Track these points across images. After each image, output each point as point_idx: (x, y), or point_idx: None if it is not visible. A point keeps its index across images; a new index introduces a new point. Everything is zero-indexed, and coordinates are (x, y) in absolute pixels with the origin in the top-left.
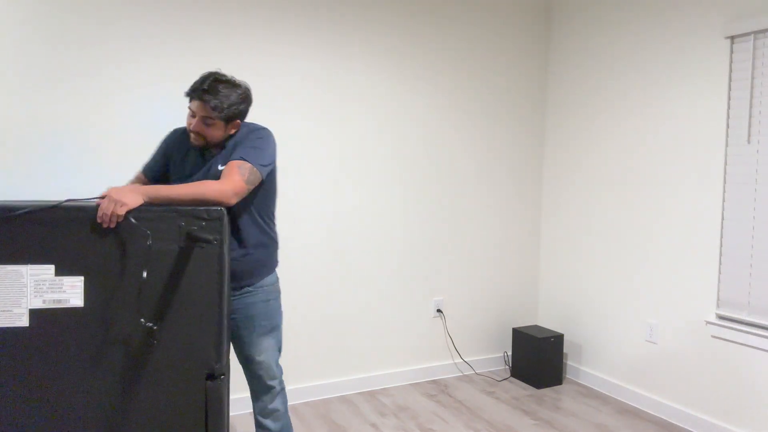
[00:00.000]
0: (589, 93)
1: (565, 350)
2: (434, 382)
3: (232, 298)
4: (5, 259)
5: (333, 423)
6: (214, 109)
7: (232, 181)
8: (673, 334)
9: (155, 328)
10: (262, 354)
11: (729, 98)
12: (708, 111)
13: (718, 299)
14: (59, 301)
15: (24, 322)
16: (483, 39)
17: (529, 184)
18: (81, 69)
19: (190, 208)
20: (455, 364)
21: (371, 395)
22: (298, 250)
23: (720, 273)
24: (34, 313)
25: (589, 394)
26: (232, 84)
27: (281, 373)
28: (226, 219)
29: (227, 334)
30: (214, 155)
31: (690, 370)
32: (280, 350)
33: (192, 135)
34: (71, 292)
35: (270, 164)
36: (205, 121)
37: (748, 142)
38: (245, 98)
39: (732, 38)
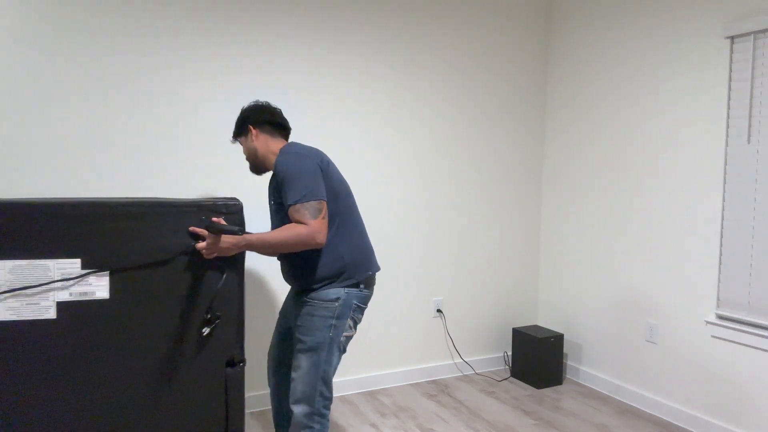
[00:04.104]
0: (589, 93)
1: (565, 350)
2: (434, 382)
3: (294, 304)
4: (33, 254)
5: (333, 423)
6: (234, 136)
7: (302, 227)
8: (673, 334)
9: (213, 317)
10: (294, 372)
11: (729, 98)
12: (708, 111)
13: (718, 299)
14: (86, 293)
15: (51, 314)
16: (483, 39)
17: (529, 184)
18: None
19: (209, 202)
20: (455, 364)
21: (371, 395)
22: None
23: (720, 273)
24: (62, 306)
25: (589, 394)
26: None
27: (313, 408)
28: (243, 213)
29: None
30: (270, 184)
31: (690, 370)
32: (323, 380)
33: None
34: (97, 285)
35: (313, 189)
36: (241, 144)
37: (748, 141)
38: (246, 109)
39: (732, 38)
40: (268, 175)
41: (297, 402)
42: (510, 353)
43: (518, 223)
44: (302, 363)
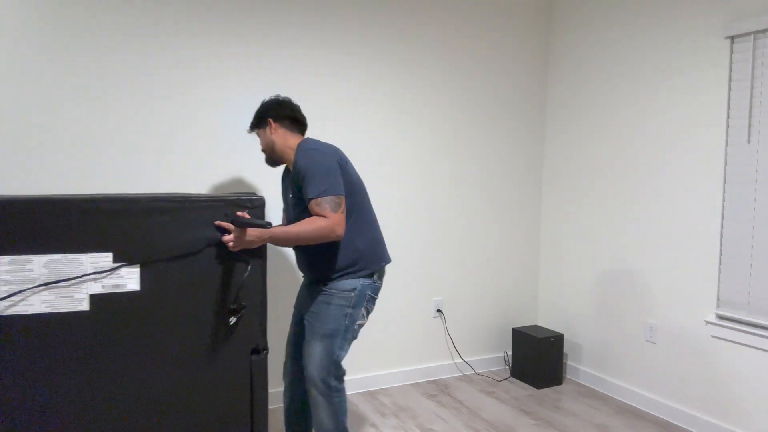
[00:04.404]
0: (589, 93)
1: (565, 350)
2: (434, 382)
3: (308, 293)
4: (67, 248)
5: None
6: (251, 127)
7: (322, 220)
8: (673, 334)
9: (239, 307)
10: (308, 357)
11: (729, 98)
12: (708, 111)
13: (718, 299)
14: (117, 286)
15: (85, 306)
16: (483, 39)
17: (529, 184)
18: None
19: (233, 197)
20: (455, 364)
21: (371, 395)
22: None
23: (720, 273)
24: (94, 298)
25: (589, 394)
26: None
27: (328, 386)
28: (265, 207)
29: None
30: (288, 179)
31: (690, 370)
32: (335, 363)
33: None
34: (128, 277)
35: (332, 184)
36: (258, 136)
37: (748, 142)
38: (266, 102)
39: (732, 38)
40: (273, 171)
41: (314, 385)
42: (510, 353)
43: (518, 223)
44: (316, 348)
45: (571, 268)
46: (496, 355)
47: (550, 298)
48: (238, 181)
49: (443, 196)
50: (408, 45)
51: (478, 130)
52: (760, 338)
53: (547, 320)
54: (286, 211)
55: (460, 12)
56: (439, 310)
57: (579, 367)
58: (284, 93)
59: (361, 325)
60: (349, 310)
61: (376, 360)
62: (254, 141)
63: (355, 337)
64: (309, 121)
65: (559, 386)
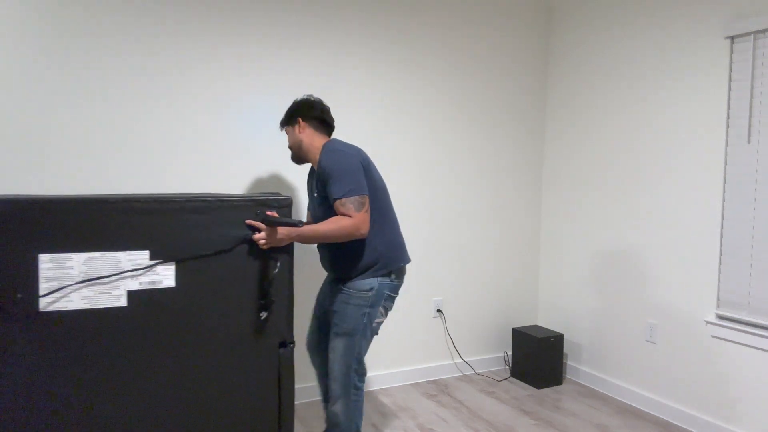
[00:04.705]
0: (589, 93)
1: (565, 350)
2: (434, 382)
3: (330, 291)
4: (105, 246)
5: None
6: (281, 124)
7: (347, 219)
8: (673, 334)
9: (268, 302)
10: (331, 352)
11: (729, 98)
12: (708, 111)
13: (718, 299)
14: (154, 282)
15: (122, 302)
16: (483, 39)
17: (529, 184)
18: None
19: (263, 198)
20: (455, 364)
21: (371, 395)
22: (297, 250)
23: (720, 273)
24: (132, 294)
25: (589, 394)
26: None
27: (349, 382)
28: (292, 207)
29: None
30: (313, 177)
31: (690, 370)
32: (356, 359)
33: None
34: (164, 274)
35: (357, 185)
36: (287, 133)
37: (748, 142)
38: (298, 102)
39: (732, 38)
40: (275, 172)
41: (335, 379)
42: (510, 353)
43: (518, 223)
44: (338, 345)
45: (571, 268)
46: (496, 355)
47: (550, 298)
48: (239, 182)
49: (443, 196)
50: (408, 45)
51: (478, 130)
52: (760, 338)
53: (547, 320)
54: (311, 209)
55: (461, 12)
56: (439, 310)
57: (579, 367)
58: (283, 93)
59: (380, 323)
60: (367, 309)
61: (377, 360)
62: (254, 141)
63: (375, 334)
64: None
65: (559, 386)
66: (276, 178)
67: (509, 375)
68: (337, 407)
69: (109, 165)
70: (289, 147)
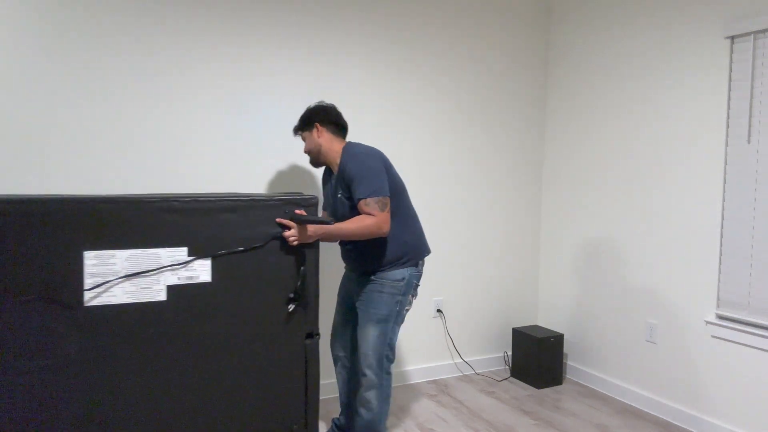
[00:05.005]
0: (589, 93)
1: (565, 350)
2: (434, 382)
3: (357, 284)
4: (146, 243)
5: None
6: (295, 130)
7: (371, 218)
8: (673, 334)
9: (297, 296)
10: (364, 340)
11: (729, 98)
12: (708, 111)
13: (718, 299)
14: (191, 277)
15: (162, 296)
16: (483, 39)
17: (529, 184)
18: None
19: (290, 197)
20: (455, 364)
21: None
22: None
23: (720, 273)
24: (171, 289)
25: (589, 394)
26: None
27: (381, 368)
28: (318, 206)
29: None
30: (334, 178)
31: (690, 370)
32: (389, 345)
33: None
34: (201, 269)
35: (380, 185)
36: (303, 139)
37: (748, 142)
38: (313, 107)
39: (732, 38)
40: (277, 172)
41: (369, 366)
42: (510, 353)
43: (518, 223)
44: (372, 332)
45: (572, 269)
46: (496, 355)
47: (550, 298)
48: (239, 182)
49: (443, 196)
50: (408, 45)
51: (478, 130)
52: (760, 338)
53: (547, 320)
54: (328, 207)
55: (460, 12)
56: (439, 310)
57: (579, 367)
58: (282, 94)
59: (407, 310)
60: (400, 297)
61: None
62: (255, 142)
63: (402, 321)
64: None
65: (559, 386)
66: (277, 179)
67: (509, 375)
68: (371, 394)
69: (109, 165)
70: (307, 151)
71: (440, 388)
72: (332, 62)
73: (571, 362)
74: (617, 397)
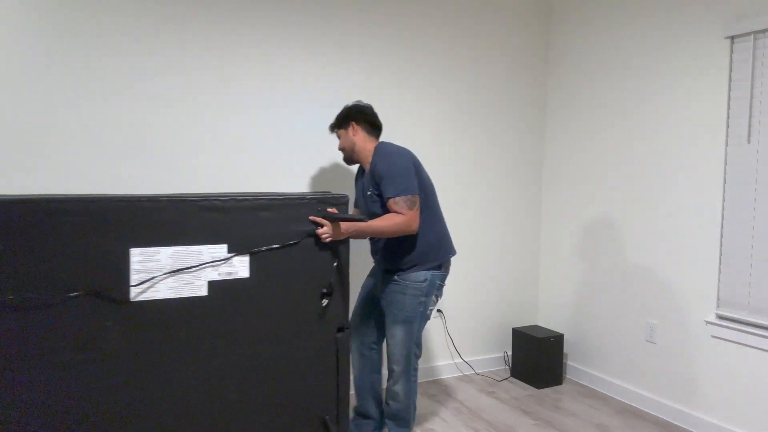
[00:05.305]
0: (590, 93)
1: (565, 350)
2: (434, 382)
3: (382, 281)
4: (189, 240)
5: None
6: (332, 128)
7: (400, 216)
8: (673, 334)
9: (330, 291)
10: (391, 338)
11: (729, 98)
12: (708, 111)
13: (718, 299)
14: (231, 273)
15: (203, 291)
16: (483, 39)
17: (529, 184)
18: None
19: (321, 196)
20: (455, 364)
21: None
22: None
23: (720, 273)
24: (212, 284)
25: (589, 394)
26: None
27: (409, 364)
28: (348, 205)
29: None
30: (365, 176)
31: (690, 370)
32: (416, 344)
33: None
34: (240, 266)
35: (409, 184)
36: (338, 137)
37: (748, 142)
38: (350, 107)
39: (732, 38)
40: (279, 174)
41: (397, 362)
42: (510, 353)
43: (518, 223)
44: (398, 332)
45: (571, 269)
46: (496, 355)
47: (550, 298)
48: (241, 183)
49: (443, 196)
50: (407, 45)
51: (478, 130)
52: (760, 338)
53: (547, 320)
54: (360, 205)
55: (460, 12)
56: (439, 310)
57: (579, 367)
58: (282, 94)
59: (432, 310)
60: (423, 299)
61: None
62: (254, 142)
63: (428, 319)
64: (310, 121)
65: (559, 386)
66: (279, 179)
67: (509, 375)
68: (398, 387)
69: (109, 165)
70: (341, 149)
71: (440, 388)
72: (332, 63)
73: (571, 362)
74: (617, 397)
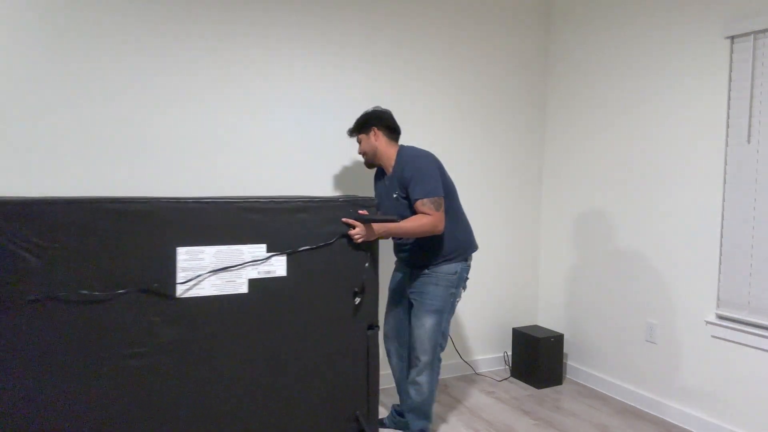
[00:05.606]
0: (589, 93)
1: (565, 350)
2: None
3: (410, 278)
4: (230, 240)
5: None
6: (351, 132)
7: (427, 217)
8: (673, 334)
9: (362, 289)
10: (420, 328)
11: (729, 98)
12: (708, 111)
13: (718, 299)
14: (269, 272)
15: (244, 289)
16: (483, 39)
17: (529, 183)
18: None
19: (352, 199)
20: (455, 364)
21: None
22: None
23: (720, 273)
24: (252, 282)
25: (589, 394)
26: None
27: (435, 354)
28: (377, 207)
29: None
30: (388, 179)
31: (690, 370)
32: (442, 335)
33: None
34: (278, 265)
35: (435, 186)
36: (358, 142)
37: (748, 142)
38: (370, 112)
39: (732, 38)
40: (281, 175)
41: (424, 352)
42: (510, 353)
43: (518, 223)
44: (428, 322)
45: (571, 268)
46: (496, 355)
47: (550, 298)
48: (241, 183)
49: None
50: (408, 45)
51: (479, 130)
52: (760, 338)
53: (547, 320)
54: (381, 206)
55: (460, 12)
56: None
57: (579, 367)
58: (282, 94)
59: (458, 302)
60: (453, 290)
61: None
62: (255, 142)
63: (454, 312)
64: (310, 121)
65: (559, 386)
66: (279, 179)
67: (509, 375)
68: (423, 378)
69: (109, 165)
70: (362, 153)
71: (440, 388)
72: (332, 63)
73: (571, 362)
74: (617, 397)
